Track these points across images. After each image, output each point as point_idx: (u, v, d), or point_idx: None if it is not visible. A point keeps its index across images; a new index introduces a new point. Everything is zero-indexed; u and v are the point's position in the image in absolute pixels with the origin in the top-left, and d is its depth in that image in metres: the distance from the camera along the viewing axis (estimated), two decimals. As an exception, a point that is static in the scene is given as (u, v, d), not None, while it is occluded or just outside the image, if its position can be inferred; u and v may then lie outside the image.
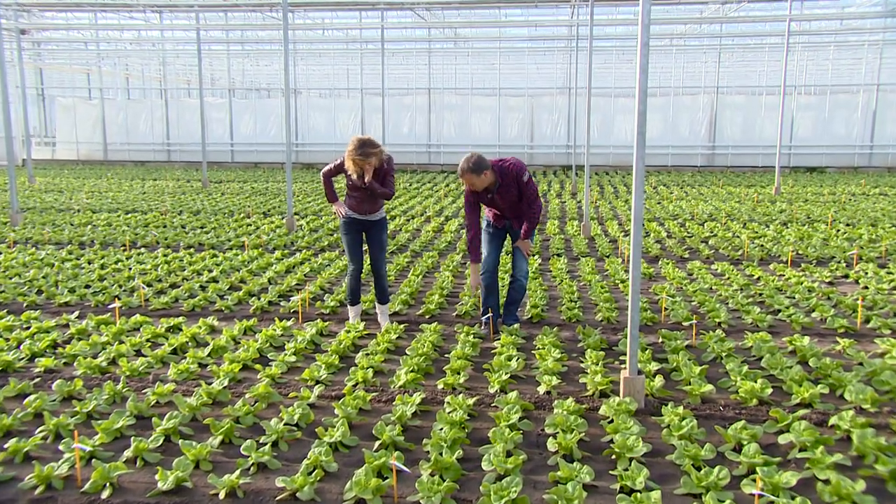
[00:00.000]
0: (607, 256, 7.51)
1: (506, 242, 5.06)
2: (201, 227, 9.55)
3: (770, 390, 3.58)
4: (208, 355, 4.31)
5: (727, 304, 5.50)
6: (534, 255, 7.47)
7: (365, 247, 4.98)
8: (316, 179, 17.04)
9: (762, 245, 7.94)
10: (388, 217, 5.02)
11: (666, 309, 5.27)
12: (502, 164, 4.52)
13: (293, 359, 4.19)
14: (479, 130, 20.19)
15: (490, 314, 4.74)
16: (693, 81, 20.72)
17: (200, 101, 14.95)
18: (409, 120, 20.17)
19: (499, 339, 4.57)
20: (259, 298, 5.71)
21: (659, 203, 12.15)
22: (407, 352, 4.29)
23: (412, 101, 20.17)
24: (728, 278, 6.37)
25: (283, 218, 10.25)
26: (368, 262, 4.98)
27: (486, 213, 4.80)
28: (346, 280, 5.02)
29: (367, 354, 4.26)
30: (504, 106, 19.94)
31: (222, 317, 5.31)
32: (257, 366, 4.08)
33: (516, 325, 4.72)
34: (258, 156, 21.13)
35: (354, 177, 4.64)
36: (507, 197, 4.55)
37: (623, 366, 4.06)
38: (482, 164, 4.41)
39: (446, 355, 4.33)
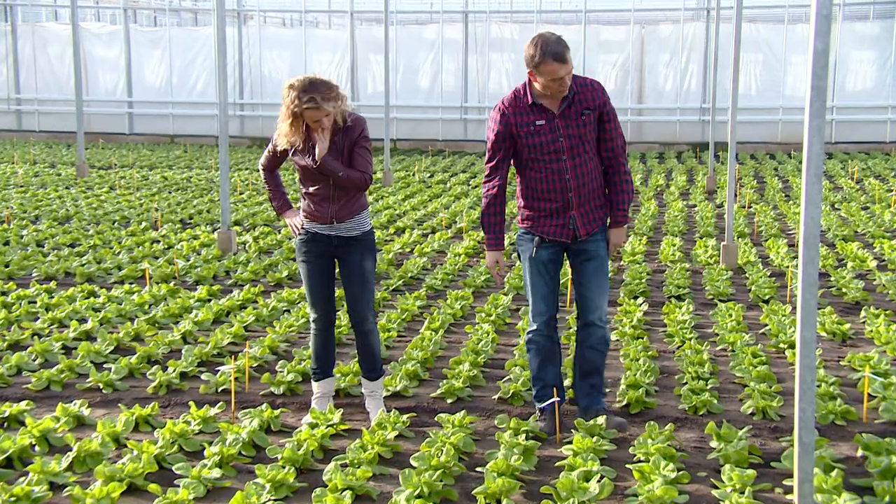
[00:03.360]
0: (766, 302, 7.44)
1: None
2: (71, 246, 9.78)
3: None
4: (68, 469, 4.36)
5: None
6: (635, 299, 7.43)
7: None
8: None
9: None
10: (374, 229, 5.08)
11: (872, 398, 5.18)
12: (576, 76, 4.68)
13: (217, 473, 4.24)
14: (551, 83, 20.30)
15: (555, 399, 4.75)
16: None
17: (74, 27, 15.36)
18: (431, 66, 20.46)
19: (569, 442, 4.57)
20: (165, 369, 5.80)
21: (865, 209, 12.00)
22: (413, 462, 4.31)
23: (437, 34, 20.49)
24: None
25: (213, 231, 10.45)
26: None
27: (535, 224, 4.75)
28: (310, 339, 5.11)
29: (345, 466, 4.29)
30: (594, 41, 20.07)
31: (99, 401, 5.39)
32: (153, 487, 4.13)
33: (602, 416, 4.74)
34: (176, 123, 21.67)
35: (299, 155, 4.74)
36: (582, 131, 4.63)
37: (789, 497, 4.00)
38: (566, 45, 4.56)
39: (478, 468, 4.34)
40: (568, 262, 4.92)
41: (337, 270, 5.03)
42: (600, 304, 4.83)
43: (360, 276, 4.93)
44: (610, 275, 5.19)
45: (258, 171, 5.08)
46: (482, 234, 5.18)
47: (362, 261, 4.93)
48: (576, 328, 5.01)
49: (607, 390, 5.50)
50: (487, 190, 4.83)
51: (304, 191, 4.91)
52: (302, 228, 4.92)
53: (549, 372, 4.91)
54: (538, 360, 4.91)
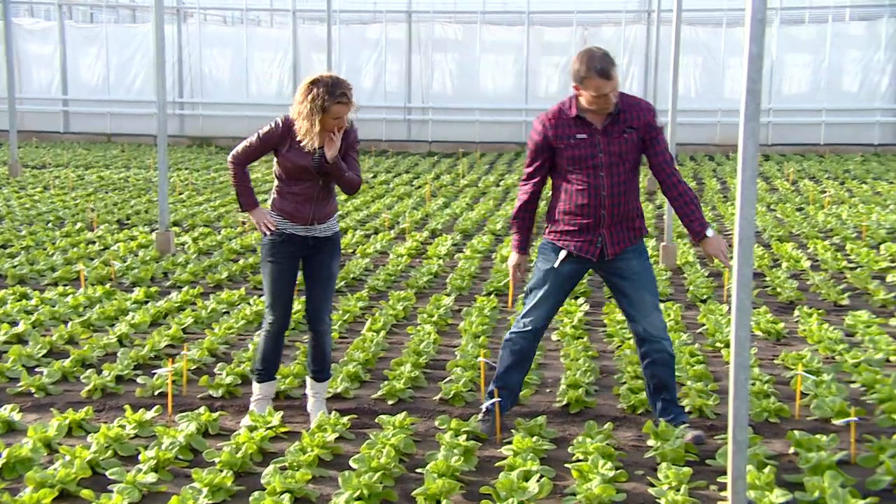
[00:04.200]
0: (703, 301, 7.56)
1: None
2: (3, 247, 9.60)
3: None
4: (-1, 474, 4.29)
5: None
6: (576, 299, 7.50)
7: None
8: (215, 164, 17.16)
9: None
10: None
11: (804, 395, 5.28)
12: (624, 94, 4.67)
13: (152, 478, 4.18)
14: (494, 84, 20.45)
15: (496, 399, 4.77)
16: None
17: (6, 23, 15.07)
18: (374, 66, 20.43)
19: (509, 443, 4.59)
20: (100, 373, 5.70)
21: (800, 210, 12.28)
22: (353, 464, 4.30)
23: (380, 34, 20.47)
24: (916, 342, 6.42)
25: (151, 232, 10.31)
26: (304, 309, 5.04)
27: (563, 236, 4.71)
28: (260, 340, 5.04)
29: (284, 469, 4.26)
30: (537, 42, 20.24)
31: (30, 405, 5.29)
32: (86, 493, 4.05)
33: (684, 426, 4.67)
34: (114, 122, 21.32)
35: (295, 152, 4.68)
36: (623, 149, 4.59)
37: (723, 494, 4.05)
38: (613, 61, 4.55)
39: (419, 470, 4.34)
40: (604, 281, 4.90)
41: (298, 272, 4.99)
42: (651, 318, 4.70)
43: (327, 278, 4.92)
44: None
45: (228, 164, 4.97)
46: (510, 233, 5.12)
47: (332, 262, 4.92)
48: (636, 345, 4.90)
49: (548, 390, 5.54)
50: (522, 193, 4.83)
51: (286, 190, 4.81)
52: (276, 228, 4.83)
53: (513, 376, 4.86)
54: (509, 361, 4.84)
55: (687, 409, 5.14)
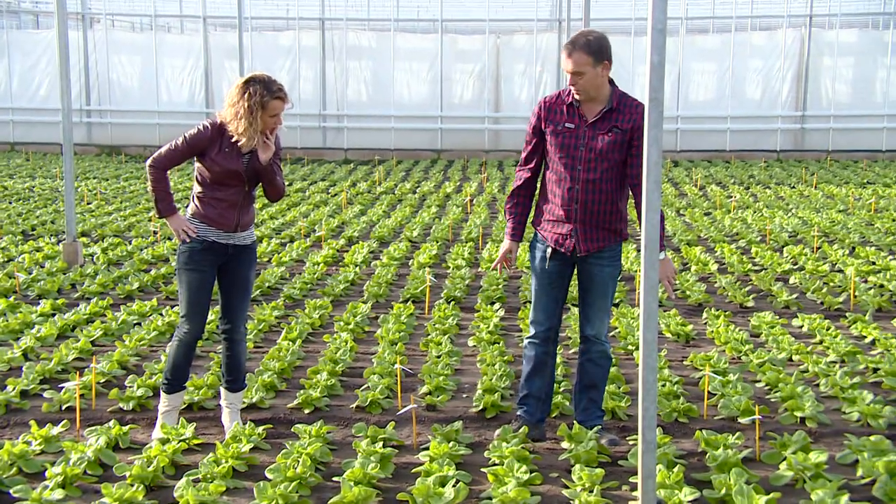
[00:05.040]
0: (616, 305, 7.69)
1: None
2: None
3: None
4: None
5: (817, 386, 5.71)
6: (492, 304, 7.57)
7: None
8: (125, 173, 16.78)
9: (882, 286, 8.34)
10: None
11: (712, 395, 5.43)
12: (626, 94, 4.62)
13: (59, 495, 4.08)
14: (409, 92, 20.49)
15: (412, 406, 4.78)
16: (770, 7, 21.68)
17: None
18: (288, 74, 20.24)
19: (426, 448, 4.62)
20: (3, 388, 5.54)
21: (708, 214, 12.62)
22: (268, 474, 4.26)
23: (293, 41, 20.32)
24: (820, 342, 6.63)
25: (58, 243, 10.02)
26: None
27: (544, 228, 4.71)
28: (172, 349, 4.93)
29: (197, 482, 4.20)
30: (451, 50, 20.36)
31: (-66, 420, 5.11)
32: (-8, 509, 3.94)
33: (597, 427, 4.71)
34: (18, 130, 20.66)
35: (223, 155, 4.64)
36: (604, 146, 4.52)
37: (634, 494, 4.13)
38: (607, 48, 4.48)
39: (336, 478, 4.32)
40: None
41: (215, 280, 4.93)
42: (595, 320, 4.74)
43: (244, 287, 4.88)
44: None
45: (147, 168, 4.81)
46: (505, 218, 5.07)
47: (249, 271, 4.89)
48: (579, 342, 4.93)
49: (464, 395, 5.58)
50: (517, 178, 4.82)
51: (209, 196, 4.72)
52: (197, 236, 4.75)
53: (535, 383, 4.84)
54: (528, 368, 4.85)
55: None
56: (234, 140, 4.64)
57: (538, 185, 4.84)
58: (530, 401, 4.87)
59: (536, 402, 4.88)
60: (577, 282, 4.82)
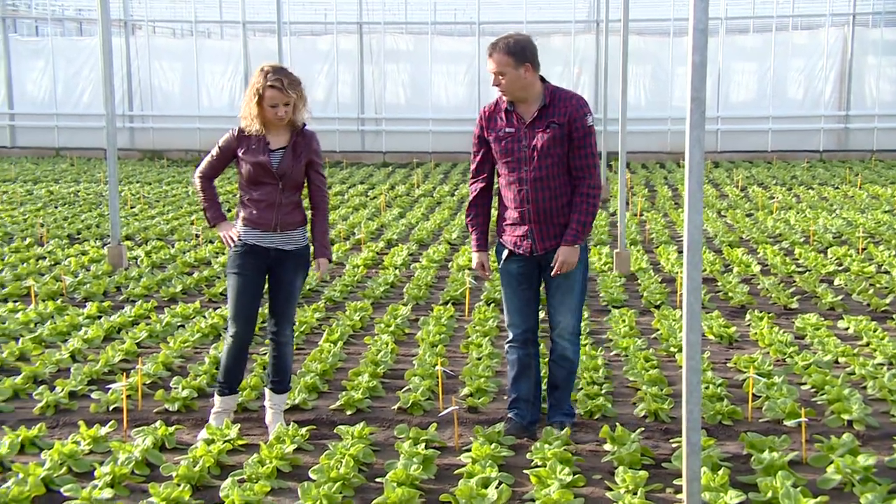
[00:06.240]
0: (657, 307, 7.66)
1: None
2: (-45, 263, 9.40)
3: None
4: (-49, 493, 4.22)
5: (864, 389, 5.65)
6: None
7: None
8: (167, 177, 17.00)
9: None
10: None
11: (756, 397, 5.39)
12: (560, 89, 4.72)
13: (108, 494, 4.15)
14: (446, 94, 20.55)
15: (454, 407, 4.80)
16: (812, 6, 21.54)
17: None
18: (326, 78, 20.40)
19: (468, 450, 4.63)
20: (53, 389, 5.63)
21: (749, 216, 12.50)
22: (312, 475, 4.30)
23: (331, 45, 20.45)
24: (867, 344, 6.56)
25: (103, 246, 10.19)
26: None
27: (505, 232, 4.81)
28: (223, 353, 5.01)
29: (242, 482, 4.25)
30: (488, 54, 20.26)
31: (-16, 421, 5.21)
32: (41, 509, 4.02)
33: (566, 430, 4.77)
34: (62, 136, 21.02)
35: (251, 153, 4.73)
36: (543, 143, 4.59)
37: (679, 496, 4.11)
38: (529, 49, 4.59)
39: (378, 479, 4.35)
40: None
41: (264, 284, 4.99)
42: (561, 321, 4.83)
43: (289, 292, 4.92)
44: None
45: (195, 180, 5.04)
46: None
47: (294, 277, 4.92)
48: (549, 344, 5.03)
49: (505, 397, 5.57)
50: (471, 191, 4.91)
51: (247, 197, 4.85)
52: (239, 240, 4.85)
53: (522, 385, 4.92)
54: (513, 372, 4.94)
55: (643, 414, 5.22)
56: (258, 136, 4.77)
57: (493, 195, 4.94)
58: (520, 403, 4.95)
59: (526, 405, 4.95)
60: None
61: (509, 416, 4.96)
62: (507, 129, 4.69)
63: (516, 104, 4.69)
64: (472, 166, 4.88)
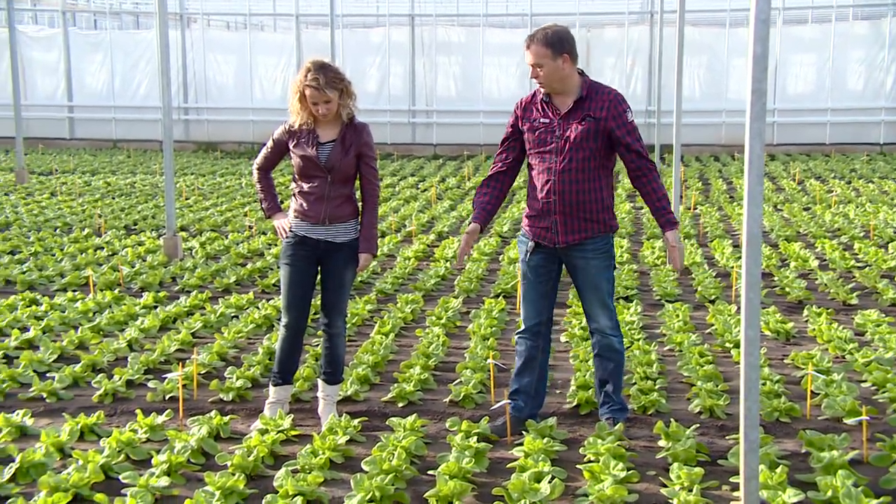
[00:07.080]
0: (712, 302, 7.56)
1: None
2: (11, 254, 9.62)
3: None
4: (10, 480, 4.29)
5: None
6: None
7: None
8: (221, 169, 17.22)
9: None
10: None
11: (815, 395, 5.30)
12: (596, 82, 4.73)
13: (165, 482, 4.21)
14: (497, 87, 20.49)
15: (506, 401, 4.79)
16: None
17: (10, 30, 15.15)
18: (378, 70, 20.47)
19: (520, 444, 4.61)
20: (111, 377, 5.74)
21: (807, 210, 12.27)
22: (364, 466, 4.32)
23: (383, 38, 20.50)
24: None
25: (159, 237, 10.35)
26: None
27: (529, 224, 4.80)
28: (277, 343, 5.07)
29: (296, 472, 4.28)
30: (541, 44, 20.18)
31: (42, 410, 5.31)
32: (99, 497, 4.08)
33: (620, 425, 4.73)
34: (120, 128, 21.40)
35: (301, 146, 4.79)
36: (577, 135, 4.59)
37: (736, 494, 4.07)
38: (566, 40, 4.59)
39: (430, 472, 4.36)
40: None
41: (315, 275, 5.02)
42: (595, 314, 4.81)
43: (340, 285, 4.94)
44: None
45: (253, 172, 5.18)
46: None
47: (345, 269, 4.93)
48: (591, 338, 5.00)
49: (557, 391, 5.55)
50: (490, 170, 4.94)
51: (298, 190, 4.91)
52: (291, 231, 4.90)
53: (524, 378, 4.92)
54: (519, 362, 4.95)
55: (698, 410, 5.16)
56: (309, 130, 4.82)
57: (508, 187, 4.97)
58: (520, 396, 4.94)
59: (526, 398, 4.93)
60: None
61: (502, 406, 4.83)
62: (542, 120, 4.71)
63: (553, 96, 4.70)
64: (499, 149, 4.90)
